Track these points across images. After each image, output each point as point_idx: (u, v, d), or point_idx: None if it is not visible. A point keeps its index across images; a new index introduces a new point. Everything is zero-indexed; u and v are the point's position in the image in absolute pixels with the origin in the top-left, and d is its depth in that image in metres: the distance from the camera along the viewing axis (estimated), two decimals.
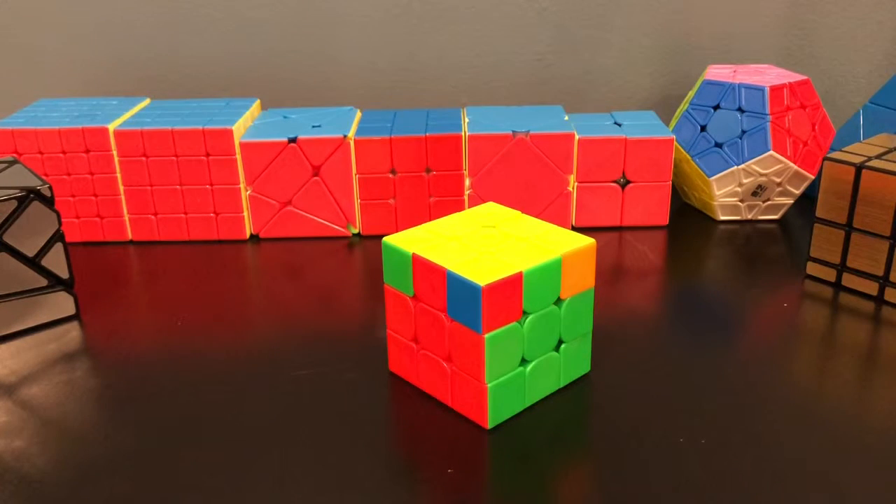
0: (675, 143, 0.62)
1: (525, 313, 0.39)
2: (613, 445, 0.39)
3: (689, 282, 0.56)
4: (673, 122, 0.66)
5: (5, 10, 0.74)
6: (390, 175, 0.61)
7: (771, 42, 0.75)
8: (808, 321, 0.50)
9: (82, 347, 0.48)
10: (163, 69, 0.76)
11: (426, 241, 0.42)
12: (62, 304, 0.51)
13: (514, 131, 0.60)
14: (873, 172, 0.50)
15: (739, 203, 0.63)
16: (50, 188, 0.49)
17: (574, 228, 0.62)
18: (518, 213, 0.45)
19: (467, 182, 0.61)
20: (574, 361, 0.43)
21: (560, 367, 0.42)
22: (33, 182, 0.49)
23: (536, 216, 0.61)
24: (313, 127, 0.62)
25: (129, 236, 0.62)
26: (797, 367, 0.45)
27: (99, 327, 0.50)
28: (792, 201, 0.63)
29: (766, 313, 0.51)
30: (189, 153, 0.60)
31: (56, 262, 0.50)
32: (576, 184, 0.62)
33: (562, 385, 0.43)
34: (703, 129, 0.63)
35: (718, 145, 0.61)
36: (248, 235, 0.62)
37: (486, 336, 0.38)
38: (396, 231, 0.57)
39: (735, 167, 0.60)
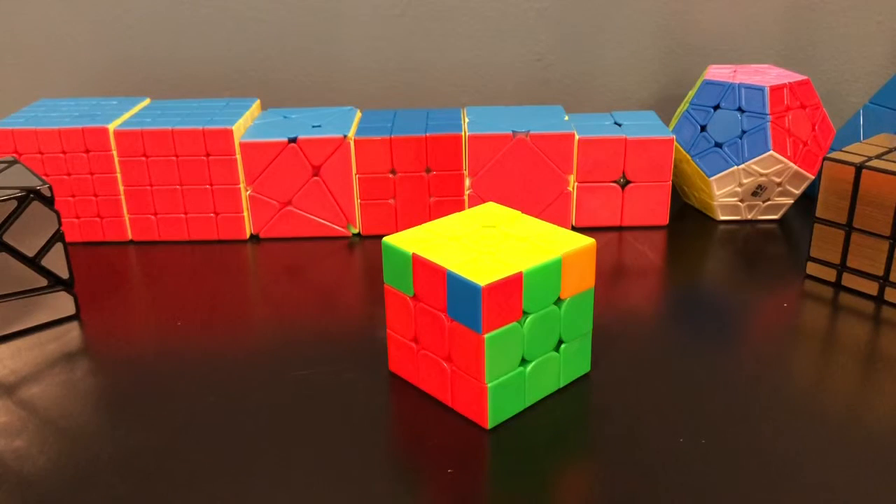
0: (675, 143, 0.62)
1: (525, 313, 0.39)
2: (613, 445, 0.39)
3: (689, 282, 0.56)
4: (673, 122, 0.66)
5: (5, 10, 0.74)
6: (390, 175, 0.61)
7: (771, 42, 0.75)
8: (808, 321, 0.50)
9: (82, 347, 0.48)
10: (163, 69, 0.76)
11: (426, 241, 0.42)
12: (62, 304, 0.51)
13: (514, 131, 0.60)
14: (873, 172, 0.50)
15: (739, 203, 0.63)
16: (50, 188, 0.49)
17: (574, 228, 0.62)
18: (518, 213, 0.45)
19: (467, 182, 0.61)
20: (574, 361, 0.43)
21: (560, 367, 0.42)
22: (33, 182, 0.49)
23: (536, 216, 0.61)
24: (313, 127, 0.62)
25: (129, 236, 0.62)
26: (797, 367, 0.45)
27: (99, 327, 0.50)
28: (792, 201, 0.63)
29: (766, 313, 0.51)
30: (189, 153, 0.60)
31: (56, 262, 0.50)
32: (576, 184, 0.62)
33: (562, 385, 0.43)
34: (703, 129, 0.63)
35: (718, 145, 0.61)
36: (248, 235, 0.62)
37: (486, 336, 0.38)
38: (396, 231, 0.57)
39: (735, 167, 0.60)
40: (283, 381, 0.44)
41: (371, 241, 0.62)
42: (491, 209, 0.46)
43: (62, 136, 0.59)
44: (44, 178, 0.51)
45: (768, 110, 0.60)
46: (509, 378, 0.40)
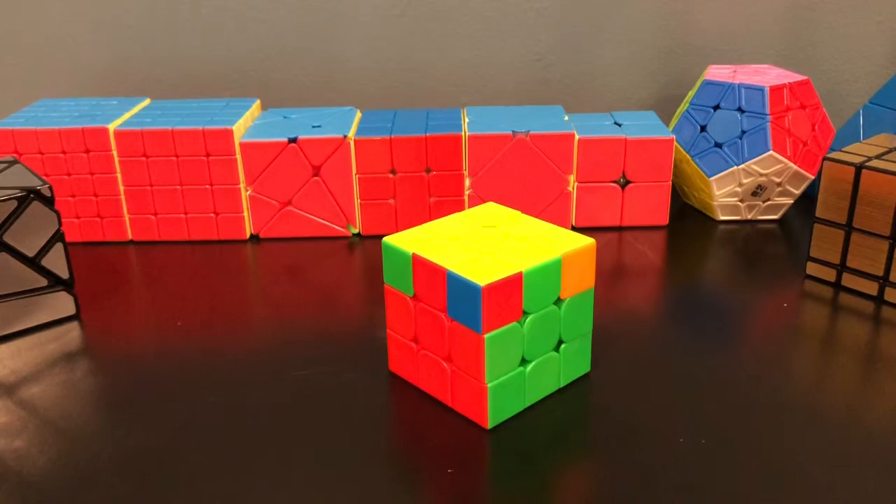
0: (675, 143, 0.62)
1: (525, 313, 0.39)
2: (613, 445, 0.39)
3: (689, 282, 0.56)
4: (673, 122, 0.66)
5: (5, 10, 0.74)
6: (390, 175, 0.61)
7: (771, 42, 0.75)
8: (808, 321, 0.50)
9: (82, 347, 0.48)
10: (163, 69, 0.76)
11: (426, 241, 0.42)
12: (62, 304, 0.51)
13: (514, 131, 0.60)
14: (873, 172, 0.50)
15: (739, 203, 0.63)
16: (50, 188, 0.49)
17: (574, 228, 0.62)
18: (518, 213, 0.45)
19: (467, 182, 0.61)
20: (574, 361, 0.43)
21: (560, 367, 0.42)
22: (33, 182, 0.49)
23: (536, 216, 0.61)
24: (313, 127, 0.62)
25: (129, 236, 0.62)
26: (797, 367, 0.45)
27: (99, 327, 0.50)
28: (792, 201, 0.63)
29: (766, 313, 0.51)
30: (189, 153, 0.60)
31: (56, 262, 0.50)
32: (576, 184, 0.62)
33: (562, 385, 0.43)
34: (703, 129, 0.63)
35: (718, 145, 0.61)
36: (248, 235, 0.62)
37: (486, 336, 0.38)
38: (396, 231, 0.57)
39: (735, 167, 0.60)
40: (283, 381, 0.44)
41: (371, 241, 0.62)
42: (491, 209, 0.46)
43: (62, 136, 0.59)
44: (44, 178, 0.51)
45: (768, 110, 0.60)
46: (509, 378, 0.40)
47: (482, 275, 0.38)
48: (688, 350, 0.47)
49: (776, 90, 0.60)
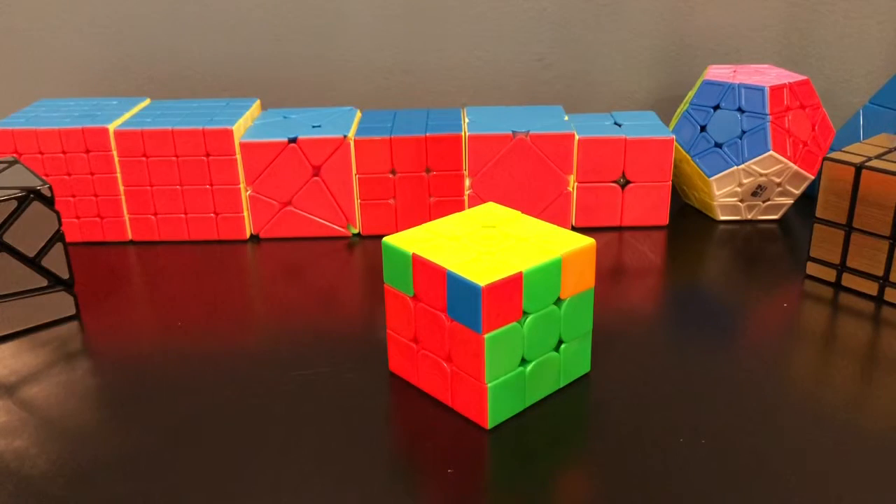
0: (675, 143, 0.62)
1: (525, 313, 0.39)
2: (613, 445, 0.39)
3: (689, 282, 0.56)
4: (673, 122, 0.66)
5: (5, 10, 0.74)
6: (390, 175, 0.61)
7: (771, 42, 0.75)
8: (808, 321, 0.50)
9: (82, 347, 0.48)
10: (163, 69, 0.76)
11: (426, 241, 0.42)
12: (62, 304, 0.51)
13: (514, 131, 0.60)
14: (873, 172, 0.50)
15: (739, 203, 0.63)
16: (50, 188, 0.49)
17: (574, 228, 0.62)
18: (518, 213, 0.45)
19: (467, 182, 0.61)
20: (574, 361, 0.43)
21: (560, 367, 0.42)
22: (33, 182, 0.49)
23: (536, 216, 0.61)
24: (313, 127, 0.62)
25: (129, 236, 0.62)
26: (797, 366, 0.45)
27: (99, 327, 0.50)
28: (792, 201, 0.63)
29: (766, 313, 0.51)
30: (189, 153, 0.60)
31: (56, 262, 0.50)
32: (576, 184, 0.62)
33: (562, 385, 0.43)
34: (703, 129, 0.63)
35: (718, 145, 0.61)
36: (248, 235, 0.62)
37: (486, 336, 0.38)
38: (396, 231, 0.57)
39: (735, 167, 0.60)
40: (283, 381, 0.44)
41: (371, 241, 0.62)
42: (491, 209, 0.46)
43: (62, 136, 0.59)
44: (44, 178, 0.51)
45: (768, 110, 0.60)
46: (509, 378, 0.40)
47: (482, 275, 0.38)
48: (688, 350, 0.47)
49: (776, 90, 0.60)
